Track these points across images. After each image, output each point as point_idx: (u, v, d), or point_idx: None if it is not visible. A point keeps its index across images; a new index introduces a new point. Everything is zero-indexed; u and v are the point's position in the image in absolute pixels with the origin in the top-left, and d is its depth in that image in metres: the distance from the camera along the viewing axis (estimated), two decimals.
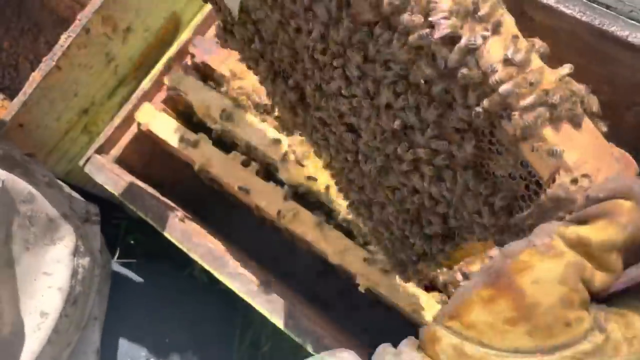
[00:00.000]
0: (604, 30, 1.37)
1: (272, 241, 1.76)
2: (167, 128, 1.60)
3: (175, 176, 1.79)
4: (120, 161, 1.66)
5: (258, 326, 2.01)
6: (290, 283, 1.70)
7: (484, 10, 0.68)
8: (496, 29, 0.68)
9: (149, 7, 1.66)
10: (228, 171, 1.51)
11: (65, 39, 1.50)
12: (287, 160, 1.48)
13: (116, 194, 1.54)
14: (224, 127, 1.55)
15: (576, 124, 0.68)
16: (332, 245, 1.39)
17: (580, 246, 0.60)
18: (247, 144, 1.53)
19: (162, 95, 1.68)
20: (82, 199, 1.51)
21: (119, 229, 2.11)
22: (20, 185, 1.20)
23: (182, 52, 1.68)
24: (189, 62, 1.67)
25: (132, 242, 2.12)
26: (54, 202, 1.30)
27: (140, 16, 1.66)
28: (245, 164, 1.53)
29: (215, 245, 1.45)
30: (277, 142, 1.50)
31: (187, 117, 1.69)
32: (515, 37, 0.69)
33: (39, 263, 1.24)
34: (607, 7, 1.39)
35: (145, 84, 1.65)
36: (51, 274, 1.26)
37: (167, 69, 1.66)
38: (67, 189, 1.51)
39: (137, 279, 1.69)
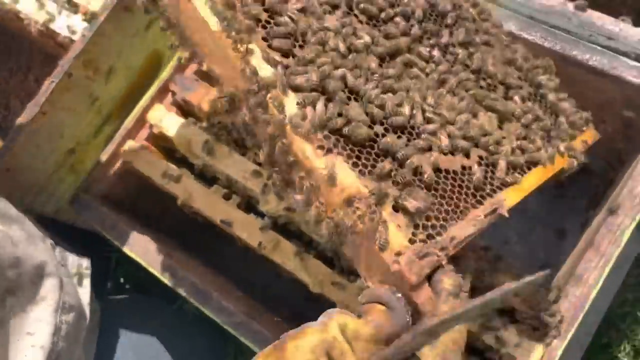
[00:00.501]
0: (566, 55, 1.42)
1: (260, 267, 1.80)
2: (150, 164, 1.65)
3: (163, 208, 1.84)
4: (107, 198, 1.70)
5: (250, 355, 2.03)
6: (280, 308, 1.73)
7: None
8: None
9: (130, 47, 1.72)
10: (210, 205, 1.55)
11: (48, 85, 1.55)
12: (267, 192, 1.52)
13: (102, 231, 1.59)
14: (206, 161, 1.59)
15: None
16: (312, 276, 1.43)
17: (343, 331, 0.83)
18: (228, 177, 1.57)
19: (145, 132, 1.73)
20: (74, 255, 1.54)
21: (110, 262, 2.14)
22: (6, 250, 1.23)
23: (163, 89, 1.73)
24: (170, 100, 1.72)
25: (122, 277, 2.16)
26: (41, 258, 1.33)
27: (122, 57, 1.72)
28: (227, 197, 1.57)
29: (200, 279, 1.50)
30: (258, 174, 1.55)
31: (171, 152, 1.73)
32: None
33: (23, 323, 1.26)
34: (568, 32, 1.44)
35: (128, 122, 1.71)
36: (33, 333, 1.27)
37: (149, 106, 1.71)
38: (57, 249, 1.52)
39: (126, 316, 1.72)
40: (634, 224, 1.30)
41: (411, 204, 0.94)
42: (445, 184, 1.02)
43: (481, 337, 1.28)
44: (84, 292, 1.49)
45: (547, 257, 1.94)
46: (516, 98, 1.28)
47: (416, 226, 0.95)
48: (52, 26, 1.76)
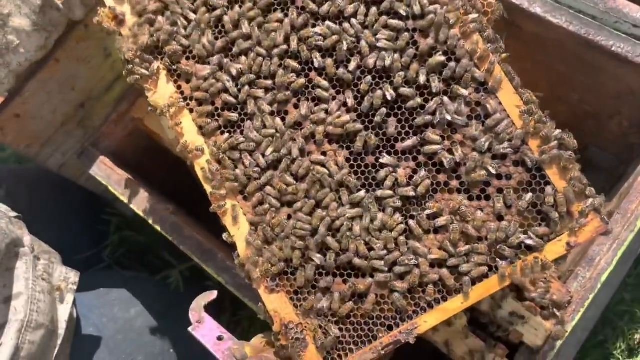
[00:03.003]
0: (590, 40, 1.42)
1: None
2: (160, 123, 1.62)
3: (167, 174, 1.81)
4: (115, 155, 1.67)
5: (243, 326, 2.03)
6: None
7: None
8: None
9: None
10: None
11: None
12: None
13: (109, 186, 1.56)
14: None
15: None
16: None
17: None
18: None
19: None
20: (64, 267, 1.50)
21: (109, 226, 2.11)
22: None
23: None
24: None
25: (120, 242, 2.13)
26: (14, 278, 1.31)
27: None
28: None
29: (205, 238, 1.47)
30: None
31: None
32: None
33: None
34: (593, 17, 1.43)
35: None
36: None
37: None
38: (42, 262, 1.47)
39: (112, 292, 1.69)
40: None
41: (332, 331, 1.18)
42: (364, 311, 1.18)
43: (490, 313, 1.27)
44: (64, 309, 1.44)
45: None
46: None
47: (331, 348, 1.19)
48: None
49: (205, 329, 1.34)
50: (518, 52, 1.65)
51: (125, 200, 1.53)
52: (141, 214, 1.51)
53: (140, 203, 1.53)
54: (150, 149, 1.74)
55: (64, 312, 1.43)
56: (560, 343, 1.27)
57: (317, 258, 1.17)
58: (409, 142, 1.15)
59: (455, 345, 1.28)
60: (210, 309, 1.39)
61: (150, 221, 1.50)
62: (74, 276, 1.50)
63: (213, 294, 1.38)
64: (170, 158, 1.66)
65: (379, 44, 1.15)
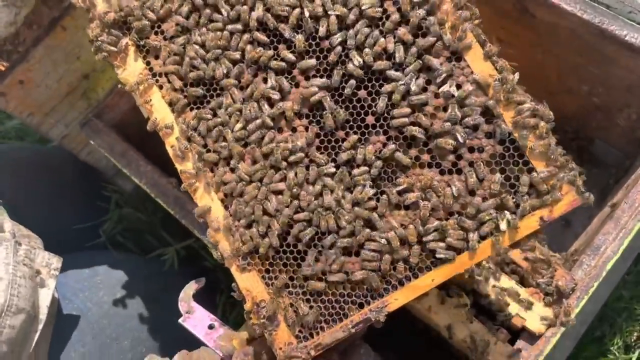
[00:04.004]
0: (603, 29, 1.41)
1: None
2: None
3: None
4: (118, 128, 1.65)
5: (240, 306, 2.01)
6: None
7: None
8: None
9: None
10: None
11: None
12: None
13: (111, 158, 1.54)
14: None
15: None
16: None
17: None
18: None
19: None
20: (46, 253, 1.48)
21: (109, 203, 2.10)
22: None
23: None
24: None
25: (119, 219, 2.11)
26: None
27: None
28: None
29: None
30: None
31: None
32: None
33: None
34: (607, 6, 1.42)
35: None
36: None
37: None
38: (23, 247, 1.44)
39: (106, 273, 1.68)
40: None
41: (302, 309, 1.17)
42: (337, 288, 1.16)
43: (493, 298, 1.26)
44: (45, 294, 1.42)
45: (551, 243, 1.95)
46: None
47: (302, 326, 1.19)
48: None
49: (196, 319, 1.34)
50: (529, 41, 1.65)
51: (128, 173, 1.51)
52: (144, 187, 1.50)
53: (143, 176, 1.51)
54: None
55: (45, 297, 1.42)
56: (560, 330, 1.26)
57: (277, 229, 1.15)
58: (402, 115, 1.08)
59: (457, 329, 1.27)
60: (202, 293, 1.39)
61: (152, 195, 1.48)
62: (56, 262, 1.48)
63: (200, 282, 1.39)
64: None
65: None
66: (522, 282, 1.30)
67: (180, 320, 1.32)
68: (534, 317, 1.25)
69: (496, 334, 1.25)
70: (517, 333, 1.28)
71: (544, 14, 1.50)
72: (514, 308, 1.26)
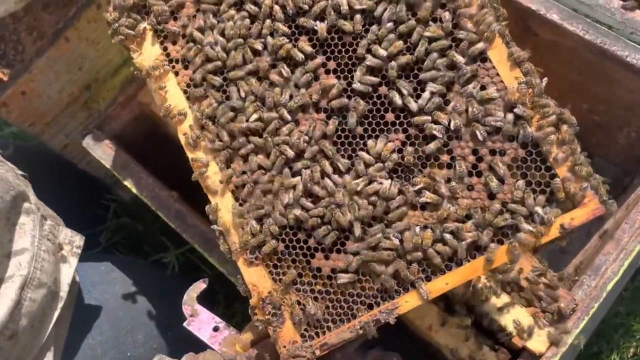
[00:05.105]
0: (605, 49, 1.42)
1: None
2: None
3: (170, 161, 1.79)
4: (119, 139, 1.65)
5: (239, 307, 2.01)
6: None
7: None
8: None
9: None
10: None
11: (74, 12, 1.50)
12: None
13: (112, 169, 1.54)
14: None
15: None
16: None
17: None
18: None
19: None
20: (68, 230, 1.47)
21: (108, 212, 2.09)
22: None
23: None
24: None
25: (117, 228, 2.10)
26: (20, 233, 1.28)
27: None
28: None
29: (208, 228, 1.45)
30: None
31: None
32: None
33: None
34: (609, 27, 1.44)
35: None
36: None
37: None
38: (48, 222, 1.42)
39: (107, 274, 1.66)
40: None
41: (310, 307, 1.13)
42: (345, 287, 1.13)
43: (493, 317, 1.27)
44: (67, 271, 1.40)
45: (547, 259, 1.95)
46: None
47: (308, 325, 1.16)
48: None
49: (201, 322, 1.32)
50: (532, 60, 1.65)
51: (129, 185, 1.51)
52: (145, 199, 1.49)
53: (144, 189, 1.51)
54: (155, 135, 1.72)
55: (67, 275, 1.39)
56: (561, 351, 1.26)
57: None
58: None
59: (459, 349, 1.27)
60: (203, 299, 1.37)
61: (153, 208, 1.47)
62: (79, 240, 1.46)
63: (203, 284, 1.35)
64: (174, 146, 1.64)
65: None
66: (524, 301, 1.31)
67: (184, 324, 1.30)
68: (535, 337, 1.25)
69: (497, 353, 1.26)
70: (517, 353, 1.28)
71: (546, 33, 1.51)
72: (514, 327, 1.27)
